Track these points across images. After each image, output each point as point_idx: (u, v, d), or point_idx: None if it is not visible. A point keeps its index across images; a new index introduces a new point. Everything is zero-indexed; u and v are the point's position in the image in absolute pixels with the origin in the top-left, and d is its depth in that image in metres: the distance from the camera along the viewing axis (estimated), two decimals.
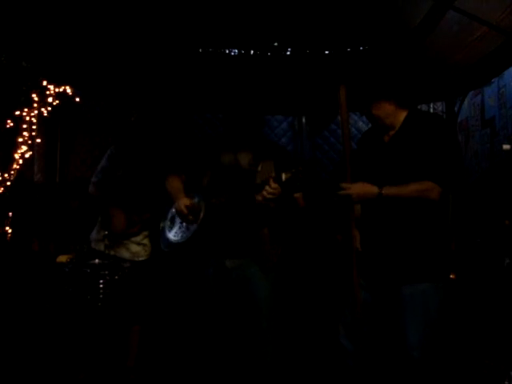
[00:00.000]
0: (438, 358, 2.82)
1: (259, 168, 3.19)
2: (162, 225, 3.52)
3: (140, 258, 4.01)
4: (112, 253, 3.92)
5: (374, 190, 2.72)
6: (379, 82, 2.82)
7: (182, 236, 3.32)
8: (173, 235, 3.39)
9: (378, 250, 2.86)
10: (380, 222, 2.86)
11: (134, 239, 3.99)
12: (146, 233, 4.02)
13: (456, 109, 5.67)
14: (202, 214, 3.24)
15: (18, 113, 5.22)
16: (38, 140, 5.53)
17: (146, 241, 4.03)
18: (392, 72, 2.87)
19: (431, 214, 2.79)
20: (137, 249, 4.00)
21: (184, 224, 3.33)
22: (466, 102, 5.71)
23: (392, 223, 2.81)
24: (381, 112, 2.82)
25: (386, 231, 2.83)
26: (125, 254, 3.98)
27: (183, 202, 3.29)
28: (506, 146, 4.18)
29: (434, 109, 6.06)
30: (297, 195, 3.35)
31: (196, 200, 3.31)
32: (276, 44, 4.87)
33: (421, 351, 2.74)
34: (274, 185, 2.95)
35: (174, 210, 3.44)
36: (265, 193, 2.98)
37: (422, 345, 2.75)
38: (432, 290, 2.77)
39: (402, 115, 2.84)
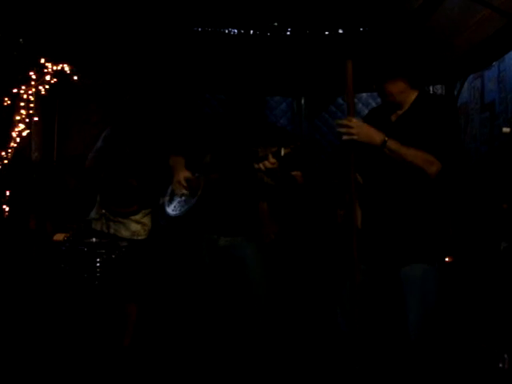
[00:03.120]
0: (435, 340, 2.83)
1: (259, 149, 3.19)
2: (161, 201, 3.54)
3: (139, 237, 4.02)
4: (112, 231, 3.93)
5: (380, 135, 2.67)
6: (395, 59, 2.81)
7: (180, 210, 3.34)
8: (171, 210, 3.41)
9: (377, 230, 2.86)
10: (379, 202, 2.85)
11: (133, 218, 4.00)
12: (145, 211, 4.02)
13: (456, 92, 5.65)
14: (201, 188, 3.25)
15: (15, 90, 5.18)
16: (36, 118, 5.50)
17: (145, 219, 4.04)
18: (408, 50, 2.86)
19: (431, 195, 2.79)
20: (136, 227, 4.01)
21: (183, 198, 3.35)
22: (465, 86, 5.68)
23: (392, 204, 2.81)
24: (394, 89, 2.80)
25: (386, 212, 2.83)
26: (124, 233, 3.99)
27: (182, 174, 3.31)
28: (505, 129, 4.15)
29: (433, 92, 6.03)
30: (296, 173, 3.35)
31: (196, 175, 3.33)
32: (276, 24, 4.83)
33: (418, 333, 2.75)
34: (272, 159, 2.97)
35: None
36: (262, 166, 2.98)
37: (419, 327, 2.76)
38: (430, 271, 2.77)
39: (413, 95, 2.84)
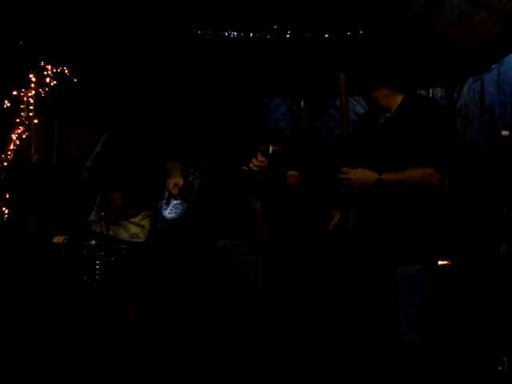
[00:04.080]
0: (432, 342, 2.83)
1: (254, 149, 3.20)
2: (159, 204, 3.55)
3: (139, 240, 4.02)
4: (111, 233, 3.93)
5: (374, 175, 2.72)
6: (376, 67, 2.84)
7: (175, 212, 3.36)
8: (168, 212, 3.43)
9: (371, 231, 2.86)
10: (374, 202, 2.86)
11: (132, 220, 4.00)
12: (145, 213, 4.03)
13: (455, 95, 5.66)
14: (195, 191, 3.26)
15: (15, 93, 5.18)
16: (36, 121, 5.50)
17: (144, 222, 4.04)
18: (389, 57, 2.88)
19: (425, 196, 2.80)
20: (136, 230, 4.01)
21: (178, 201, 3.37)
22: (465, 89, 5.69)
23: (386, 204, 2.82)
24: (378, 94, 2.85)
25: (380, 213, 2.84)
26: (124, 235, 3.99)
27: (173, 179, 3.33)
28: (504, 132, 4.17)
29: (433, 94, 6.04)
30: (293, 173, 3.36)
31: (191, 178, 3.34)
32: (275, 27, 4.84)
33: (412, 335, 2.75)
34: (260, 157, 2.98)
35: None
36: (251, 165, 3.00)
37: (413, 328, 2.76)
38: (424, 273, 2.78)
39: (399, 98, 2.87)
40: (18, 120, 5.22)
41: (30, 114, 5.36)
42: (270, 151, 2.97)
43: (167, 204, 3.49)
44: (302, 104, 6.62)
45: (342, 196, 2.88)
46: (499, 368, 3.44)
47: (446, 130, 2.77)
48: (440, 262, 4.47)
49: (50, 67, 5.36)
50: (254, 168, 3.01)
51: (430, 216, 2.81)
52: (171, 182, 3.35)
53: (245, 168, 3.06)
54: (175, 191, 3.34)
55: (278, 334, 3.86)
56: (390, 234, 2.80)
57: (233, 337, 3.46)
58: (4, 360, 3.74)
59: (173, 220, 3.38)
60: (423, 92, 6.05)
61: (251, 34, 4.93)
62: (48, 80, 5.38)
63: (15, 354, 3.84)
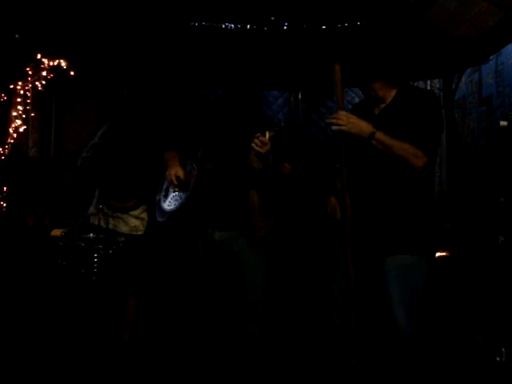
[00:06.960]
0: (430, 333, 2.83)
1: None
2: (157, 197, 3.55)
3: (138, 232, 4.02)
4: (111, 226, 3.94)
5: (369, 127, 2.71)
6: (372, 62, 2.85)
7: (175, 204, 3.36)
8: (167, 205, 3.43)
9: (362, 221, 2.87)
10: (365, 194, 2.86)
11: (132, 213, 4.01)
12: (144, 207, 4.03)
13: (453, 86, 5.64)
14: (193, 181, 3.26)
15: (11, 86, 5.17)
16: (33, 114, 5.50)
17: (144, 215, 4.05)
18: (385, 52, 2.88)
19: (417, 187, 2.81)
20: (135, 223, 4.02)
21: (177, 193, 3.37)
22: (463, 80, 5.67)
23: (377, 195, 2.82)
24: (373, 86, 2.86)
25: (371, 203, 2.84)
26: (123, 228, 4.00)
27: (173, 170, 3.33)
28: (502, 123, 4.15)
29: (431, 86, 6.03)
30: (286, 165, 3.37)
31: (189, 168, 3.34)
32: (273, 18, 4.82)
33: (409, 324, 2.75)
34: (262, 138, 2.97)
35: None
36: (253, 145, 3.00)
37: (409, 318, 2.76)
38: (416, 263, 2.78)
39: (394, 90, 2.88)
40: (15, 113, 5.21)
41: (27, 108, 5.35)
42: (267, 137, 2.98)
43: (165, 196, 3.49)
44: (299, 96, 6.61)
45: (338, 188, 2.88)
46: (497, 359, 3.45)
47: (437, 119, 2.78)
48: (438, 254, 4.49)
49: (46, 60, 5.34)
50: (256, 148, 3.01)
51: (421, 207, 2.82)
52: (172, 173, 3.35)
53: (250, 157, 3.06)
54: (176, 181, 3.34)
55: (275, 326, 3.87)
56: (382, 225, 2.80)
57: (229, 329, 3.46)
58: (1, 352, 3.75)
59: (172, 212, 3.38)
60: (421, 83, 6.04)
61: (248, 26, 4.91)
62: (45, 73, 5.37)
63: (13, 347, 3.84)
